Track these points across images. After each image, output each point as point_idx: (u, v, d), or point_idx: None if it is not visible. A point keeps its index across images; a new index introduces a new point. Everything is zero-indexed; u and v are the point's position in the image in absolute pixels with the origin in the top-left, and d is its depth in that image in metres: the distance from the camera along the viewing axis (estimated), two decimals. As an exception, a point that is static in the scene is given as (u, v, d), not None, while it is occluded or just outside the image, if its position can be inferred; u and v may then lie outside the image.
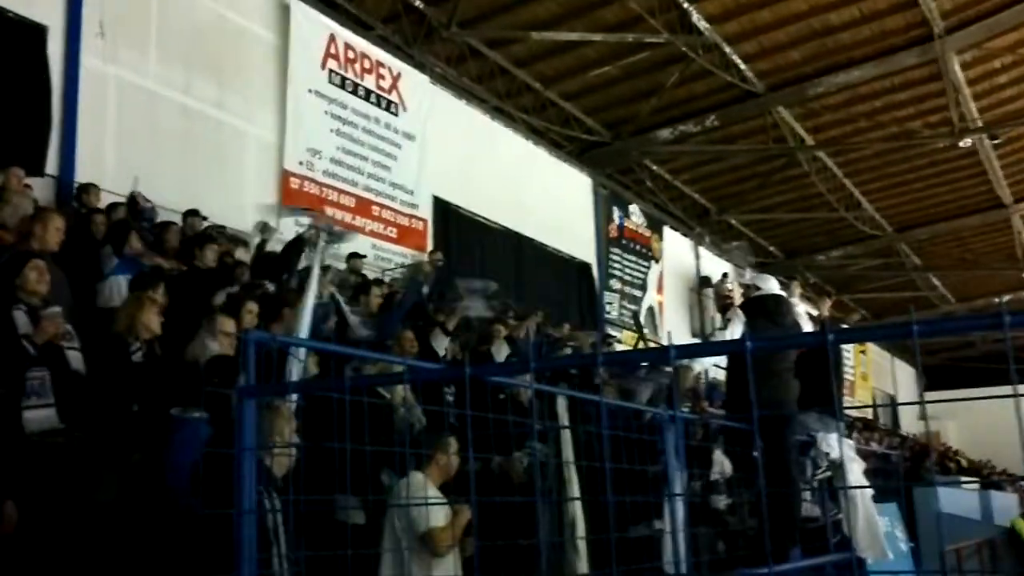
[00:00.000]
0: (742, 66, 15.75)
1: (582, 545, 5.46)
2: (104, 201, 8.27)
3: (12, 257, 5.22)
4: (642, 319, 18.95)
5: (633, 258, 19.14)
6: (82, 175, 8.71)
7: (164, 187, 9.23)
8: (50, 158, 8.70)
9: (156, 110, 9.87)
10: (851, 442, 8.12)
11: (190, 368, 5.19)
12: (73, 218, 7.11)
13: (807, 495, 6.41)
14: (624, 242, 18.85)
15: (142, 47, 9.82)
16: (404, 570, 4.18)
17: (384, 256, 12.44)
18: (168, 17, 10.11)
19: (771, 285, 6.51)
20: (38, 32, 8.81)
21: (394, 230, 12.86)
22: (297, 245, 8.43)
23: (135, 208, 8.46)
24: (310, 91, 11.83)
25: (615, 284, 18.38)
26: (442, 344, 8.10)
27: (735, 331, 6.26)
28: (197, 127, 10.31)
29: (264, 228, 9.54)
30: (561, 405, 5.74)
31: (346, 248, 9.39)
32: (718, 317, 19.10)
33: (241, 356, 2.31)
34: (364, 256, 10.95)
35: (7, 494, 4.13)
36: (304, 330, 5.86)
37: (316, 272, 6.38)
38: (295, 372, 4.78)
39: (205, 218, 9.12)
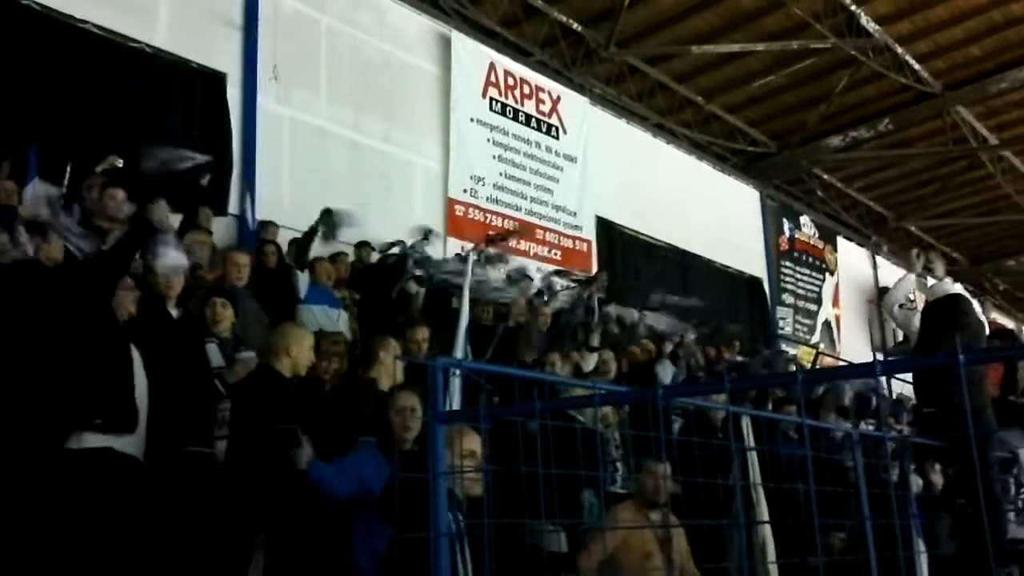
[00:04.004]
0: (916, 66, 15.03)
1: (774, 570, 5.23)
2: (282, 236, 8.58)
3: (204, 293, 5.60)
4: (818, 334, 18.24)
5: (806, 271, 18.48)
6: (261, 212, 9.07)
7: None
8: (232, 198, 9.13)
9: (327, 146, 10.24)
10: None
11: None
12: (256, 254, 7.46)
13: (1011, 515, 6.03)
14: (796, 255, 18.25)
15: (313, 87, 10.22)
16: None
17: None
18: (336, 57, 10.50)
19: (947, 287, 6.11)
20: (218, 79, 9.30)
21: (558, 252, 12.84)
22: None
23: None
24: (472, 120, 12.02)
25: (788, 299, 17.78)
26: (588, 362, 7.98)
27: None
28: (366, 160, 10.63)
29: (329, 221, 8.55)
30: (745, 424, 5.51)
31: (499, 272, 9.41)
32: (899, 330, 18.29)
33: (429, 381, 2.27)
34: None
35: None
36: (460, 351, 5.90)
37: (467, 295, 6.42)
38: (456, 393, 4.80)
39: (374, 249, 9.34)
